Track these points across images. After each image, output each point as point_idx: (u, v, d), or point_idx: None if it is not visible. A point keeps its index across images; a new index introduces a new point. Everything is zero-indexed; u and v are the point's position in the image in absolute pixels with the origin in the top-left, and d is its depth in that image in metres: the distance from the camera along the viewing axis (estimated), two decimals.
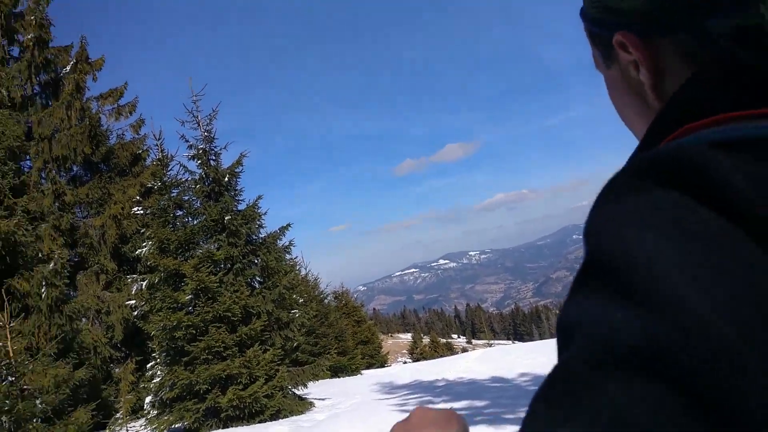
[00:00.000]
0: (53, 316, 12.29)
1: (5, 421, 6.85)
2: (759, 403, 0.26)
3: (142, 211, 15.20)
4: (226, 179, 12.76)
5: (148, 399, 11.84)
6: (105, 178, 16.98)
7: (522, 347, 22.71)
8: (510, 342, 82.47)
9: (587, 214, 0.41)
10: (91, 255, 16.06)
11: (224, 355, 11.23)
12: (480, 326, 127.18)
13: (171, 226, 12.35)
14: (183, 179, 12.67)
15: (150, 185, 15.98)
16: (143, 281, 12.66)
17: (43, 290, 12.24)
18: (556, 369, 0.33)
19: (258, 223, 12.76)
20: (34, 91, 17.11)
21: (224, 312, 11.29)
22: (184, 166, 12.81)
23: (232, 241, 12.14)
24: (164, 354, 11.72)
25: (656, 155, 0.39)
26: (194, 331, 11.23)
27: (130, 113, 18.65)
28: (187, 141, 12.73)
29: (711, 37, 0.46)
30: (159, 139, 13.03)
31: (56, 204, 15.62)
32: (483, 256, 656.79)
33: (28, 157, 16.31)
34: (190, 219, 12.43)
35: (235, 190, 12.78)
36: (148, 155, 17.91)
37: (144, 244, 12.63)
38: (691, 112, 0.45)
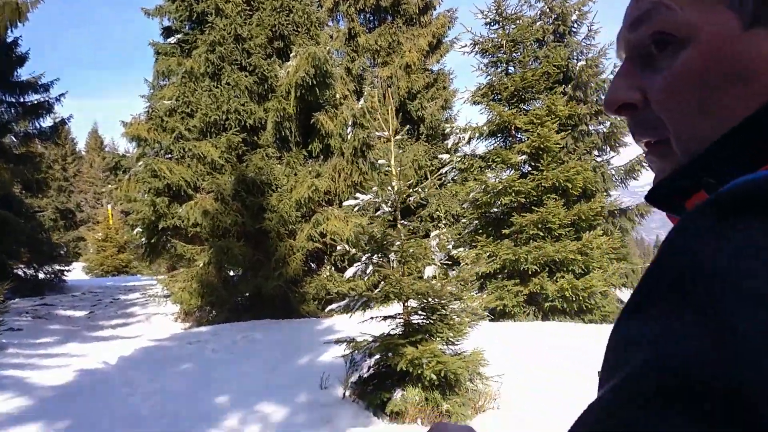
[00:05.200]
0: (356, 161, 11.14)
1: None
2: None
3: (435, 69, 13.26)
4: (574, 17, 9.96)
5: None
6: (395, 25, 15.30)
7: None
8: None
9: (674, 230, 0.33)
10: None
11: (556, 234, 9.08)
12: None
13: (503, 71, 10.07)
14: (520, 14, 10.15)
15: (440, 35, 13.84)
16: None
17: (349, 131, 11.06)
18: (610, 392, 0.28)
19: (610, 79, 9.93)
20: None
21: (564, 182, 8.98)
22: None
23: (578, 96, 9.55)
24: (476, 221, 9.97)
25: None
26: (524, 200, 9.18)
27: None
28: None
29: None
30: None
31: (349, 47, 14.39)
32: None
33: None
34: (532, 62, 9.98)
35: (590, 30, 9.96)
36: (440, 4, 15.72)
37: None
38: None
